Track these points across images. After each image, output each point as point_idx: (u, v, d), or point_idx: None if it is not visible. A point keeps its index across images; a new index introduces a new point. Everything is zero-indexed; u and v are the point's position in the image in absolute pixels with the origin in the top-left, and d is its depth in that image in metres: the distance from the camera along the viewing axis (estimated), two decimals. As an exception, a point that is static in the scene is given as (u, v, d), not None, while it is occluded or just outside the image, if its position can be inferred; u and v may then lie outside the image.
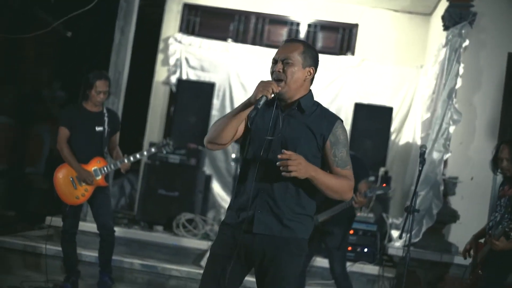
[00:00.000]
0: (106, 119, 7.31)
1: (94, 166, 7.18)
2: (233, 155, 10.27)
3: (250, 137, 4.02)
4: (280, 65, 3.93)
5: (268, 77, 4.01)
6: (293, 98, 3.97)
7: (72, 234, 7.30)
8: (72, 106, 7.58)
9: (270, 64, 4.00)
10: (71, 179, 7.08)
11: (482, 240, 6.26)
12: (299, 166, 3.68)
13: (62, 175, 7.12)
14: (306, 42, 4.13)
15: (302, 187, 3.91)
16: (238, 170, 4.03)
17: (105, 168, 7.23)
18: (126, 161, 7.29)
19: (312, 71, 4.02)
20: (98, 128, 7.27)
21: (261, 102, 3.78)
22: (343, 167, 3.99)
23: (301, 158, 3.70)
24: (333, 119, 3.99)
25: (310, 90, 4.07)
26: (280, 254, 3.89)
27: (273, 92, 3.82)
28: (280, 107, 3.99)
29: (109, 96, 7.41)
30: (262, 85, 3.81)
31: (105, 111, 7.36)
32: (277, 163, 3.70)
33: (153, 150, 7.59)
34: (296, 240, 3.95)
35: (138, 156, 7.41)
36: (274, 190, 3.88)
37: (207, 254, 8.10)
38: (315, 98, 9.87)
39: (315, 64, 4.05)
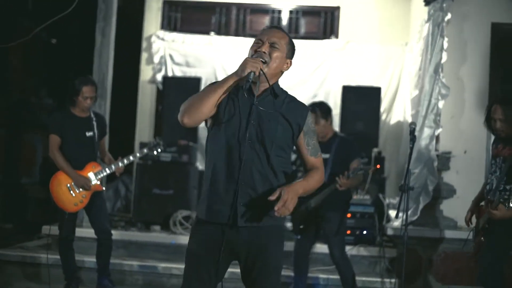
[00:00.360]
0: (94, 123, 7.32)
1: (89, 171, 7.19)
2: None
3: (220, 122, 3.90)
4: (267, 46, 3.88)
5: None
6: (266, 84, 3.92)
7: (70, 241, 7.30)
8: (60, 112, 7.51)
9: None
10: (68, 186, 7.08)
11: (483, 203, 6.22)
12: (292, 200, 3.72)
13: (58, 183, 7.11)
14: (288, 34, 4.09)
15: (278, 176, 3.93)
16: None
17: (101, 173, 7.24)
18: (120, 164, 7.30)
19: (289, 64, 4.03)
20: (89, 133, 7.27)
21: (251, 77, 3.73)
22: (316, 155, 4.07)
23: (289, 192, 3.73)
24: (305, 109, 4.06)
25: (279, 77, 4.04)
26: (266, 244, 3.91)
27: (260, 70, 3.78)
28: (250, 93, 3.89)
29: (95, 100, 7.39)
30: (251, 61, 3.76)
31: (92, 115, 7.35)
32: (275, 212, 3.69)
33: (145, 151, 7.61)
34: (278, 228, 4.00)
35: (131, 158, 7.44)
36: (255, 180, 3.85)
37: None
38: (304, 85, 9.87)
39: (293, 56, 4.06)
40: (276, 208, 3.66)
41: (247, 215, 3.85)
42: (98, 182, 7.23)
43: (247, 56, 3.87)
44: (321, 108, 7.47)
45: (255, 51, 3.90)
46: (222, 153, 3.88)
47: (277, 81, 4.02)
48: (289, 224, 8.23)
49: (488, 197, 5.94)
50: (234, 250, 3.91)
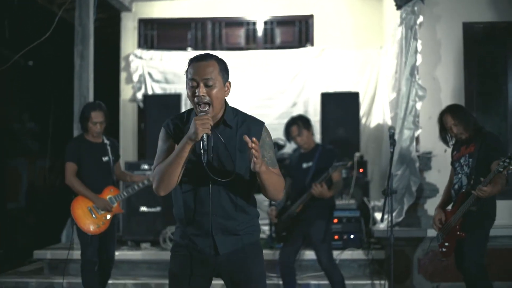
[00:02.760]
0: (108, 148, 7.48)
1: (108, 195, 7.39)
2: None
3: (185, 166, 3.96)
4: (203, 88, 3.88)
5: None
6: (217, 116, 4.01)
7: (93, 263, 7.38)
8: (75, 140, 7.70)
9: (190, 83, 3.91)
10: (89, 208, 7.25)
11: (449, 208, 6.53)
12: (261, 161, 3.82)
13: (79, 206, 7.26)
14: (216, 56, 4.07)
15: (244, 198, 4.08)
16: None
17: (119, 196, 7.45)
18: (141, 185, 7.65)
19: (229, 86, 4.06)
20: (104, 158, 7.46)
21: (205, 139, 3.82)
22: (273, 166, 4.09)
23: (259, 156, 3.80)
24: (259, 124, 4.13)
25: (226, 103, 4.11)
26: (246, 262, 4.08)
27: (210, 126, 3.83)
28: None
29: (105, 125, 7.48)
30: (200, 123, 3.78)
31: (106, 140, 7.49)
32: (252, 152, 3.73)
33: None
34: (255, 243, 4.15)
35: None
36: (225, 209, 4.00)
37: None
38: (283, 94, 9.95)
39: (228, 76, 4.08)
40: (251, 146, 3.72)
41: (224, 242, 4.03)
42: (117, 205, 7.43)
43: (195, 117, 3.86)
44: (302, 120, 7.73)
45: (193, 95, 3.91)
46: (192, 190, 4.01)
47: (226, 105, 4.08)
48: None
49: (460, 192, 6.21)
50: (216, 269, 4.09)
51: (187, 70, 3.99)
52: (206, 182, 3.94)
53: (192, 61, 4.00)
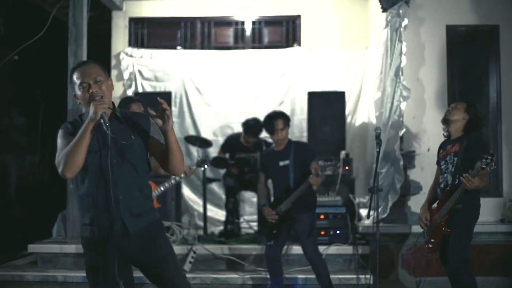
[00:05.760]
0: None
1: None
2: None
3: (89, 154, 4.28)
4: (95, 85, 4.32)
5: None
6: (108, 109, 4.36)
7: None
8: None
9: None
10: None
11: (434, 205, 6.72)
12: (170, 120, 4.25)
13: None
14: (93, 61, 4.57)
15: (144, 183, 4.50)
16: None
17: (156, 191, 7.69)
18: (173, 182, 7.95)
19: (111, 81, 4.53)
20: None
21: (105, 118, 4.20)
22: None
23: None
24: (145, 116, 4.54)
25: (113, 102, 4.52)
26: (155, 239, 4.47)
27: (107, 107, 4.30)
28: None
29: None
30: (98, 104, 4.20)
31: None
32: (163, 106, 4.20)
33: (194, 167, 7.99)
34: (157, 222, 4.56)
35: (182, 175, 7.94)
36: (129, 191, 4.36)
37: (189, 258, 8.42)
38: (270, 92, 10.13)
39: (108, 74, 4.56)
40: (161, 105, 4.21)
41: (133, 221, 4.36)
42: (155, 200, 7.51)
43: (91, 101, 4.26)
44: (286, 116, 7.90)
45: (89, 94, 4.31)
46: (94, 176, 4.33)
47: (113, 103, 4.49)
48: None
49: (446, 189, 6.41)
50: (127, 253, 4.39)
51: (71, 80, 4.42)
52: (111, 167, 4.25)
53: (79, 71, 4.41)
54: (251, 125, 9.75)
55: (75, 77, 4.37)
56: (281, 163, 7.76)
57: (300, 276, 8.51)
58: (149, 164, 4.56)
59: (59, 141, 4.38)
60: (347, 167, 9.41)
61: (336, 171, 9.14)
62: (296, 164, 7.71)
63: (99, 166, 4.29)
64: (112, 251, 4.29)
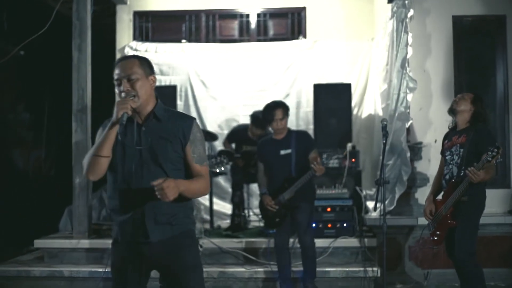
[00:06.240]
0: None
1: None
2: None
3: (118, 155, 4.18)
4: (126, 83, 4.12)
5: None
6: (147, 108, 4.21)
7: None
8: None
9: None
10: None
11: (439, 197, 6.70)
12: (172, 190, 3.94)
13: None
14: (138, 55, 4.38)
15: None
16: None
17: None
18: None
19: (154, 78, 4.31)
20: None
21: (124, 119, 4.01)
22: (201, 163, 4.31)
23: (169, 181, 3.96)
24: (189, 120, 4.31)
25: (157, 98, 4.32)
26: (180, 250, 4.24)
27: (131, 108, 4.06)
28: (138, 121, 4.20)
29: None
30: (120, 103, 4.02)
31: None
32: (156, 192, 3.93)
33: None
34: (187, 232, 4.32)
35: None
36: (157, 199, 4.04)
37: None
38: (276, 85, 10.11)
39: (153, 71, 4.33)
40: (153, 183, 3.94)
41: (156, 230, 4.18)
42: None
43: (117, 100, 4.12)
44: (286, 106, 7.94)
45: (121, 92, 4.14)
46: (126, 181, 4.18)
47: (158, 101, 4.30)
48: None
49: (451, 181, 6.36)
50: (149, 262, 4.25)
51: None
52: (139, 172, 4.13)
53: (116, 65, 4.24)
54: (260, 117, 9.71)
55: (114, 72, 4.22)
56: (283, 152, 7.79)
57: (307, 269, 8.45)
58: (187, 169, 4.32)
59: (96, 138, 4.24)
60: (353, 159, 9.37)
61: (343, 162, 9.13)
62: (299, 153, 7.75)
63: (127, 169, 4.18)
64: (135, 255, 4.20)
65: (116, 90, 4.19)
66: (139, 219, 4.13)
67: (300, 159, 7.73)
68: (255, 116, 9.73)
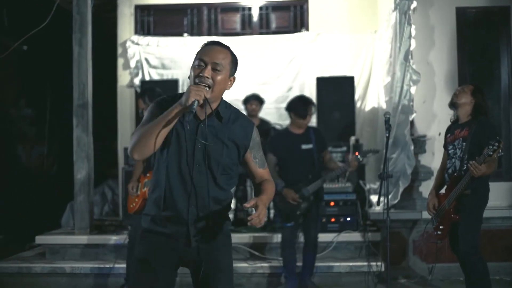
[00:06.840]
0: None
1: None
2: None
3: (169, 148, 3.90)
4: (209, 70, 3.79)
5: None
6: (212, 105, 3.88)
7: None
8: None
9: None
10: None
11: (442, 191, 6.63)
12: (264, 213, 3.78)
13: None
14: (233, 52, 4.01)
15: (224, 191, 4.03)
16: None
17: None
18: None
19: (233, 81, 3.99)
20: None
21: (195, 106, 3.67)
22: (263, 166, 4.15)
23: (262, 208, 3.77)
24: (250, 125, 4.07)
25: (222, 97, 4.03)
26: (214, 250, 4.01)
27: (204, 98, 3.73)
28: (198, 115, 3.89)
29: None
30: (195, 89, 3.69)
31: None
32: (249, 222, 3.75)
33: None
34: (225, 233, 4.11)
35: None
36: (205, 201, 3.90)
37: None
38: (278, 78, 10.04)
39: (235, 74, 4.01)
40: (250, 218, 3.73)
41: (199, 235, 3.94)
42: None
43: (191, 85, 3.80)
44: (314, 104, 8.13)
45: (197, 75, 3.80)
46: (174, 176, 3.90)
47: (222, 100, 4.00)
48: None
49: (454, 174, 6.32)
50: (185, 262, 4.05)
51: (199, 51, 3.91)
52: (190, 171, 3.87)
53: (206, 45, 3.93)
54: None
55: (199, 50, 3.89)
56: (304, 146, 7.81)
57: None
58: (237, 177, 4.16)
59: (146, 114, 3.90)
60: (357, 153, 9.30)
61: (346, 156, 9.12)
62: (319, 148, 7.84)
63: (179, 162, 3.89)
64: (168, 249, 3.96)
65: (192, 69, 3.86)
66: (182, 218, 3.90)
67: (319, 155, 7.85)
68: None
